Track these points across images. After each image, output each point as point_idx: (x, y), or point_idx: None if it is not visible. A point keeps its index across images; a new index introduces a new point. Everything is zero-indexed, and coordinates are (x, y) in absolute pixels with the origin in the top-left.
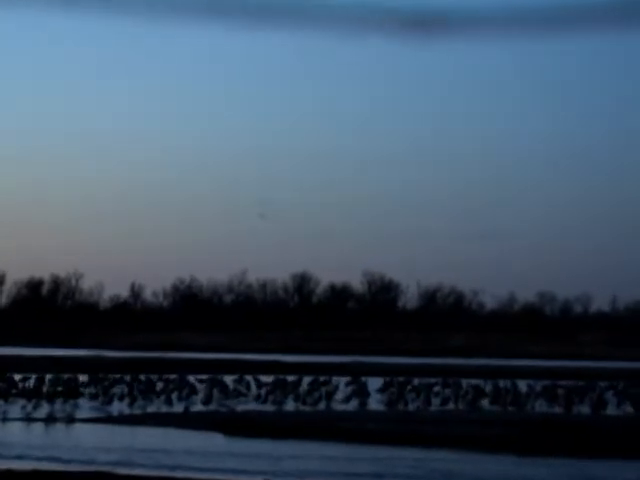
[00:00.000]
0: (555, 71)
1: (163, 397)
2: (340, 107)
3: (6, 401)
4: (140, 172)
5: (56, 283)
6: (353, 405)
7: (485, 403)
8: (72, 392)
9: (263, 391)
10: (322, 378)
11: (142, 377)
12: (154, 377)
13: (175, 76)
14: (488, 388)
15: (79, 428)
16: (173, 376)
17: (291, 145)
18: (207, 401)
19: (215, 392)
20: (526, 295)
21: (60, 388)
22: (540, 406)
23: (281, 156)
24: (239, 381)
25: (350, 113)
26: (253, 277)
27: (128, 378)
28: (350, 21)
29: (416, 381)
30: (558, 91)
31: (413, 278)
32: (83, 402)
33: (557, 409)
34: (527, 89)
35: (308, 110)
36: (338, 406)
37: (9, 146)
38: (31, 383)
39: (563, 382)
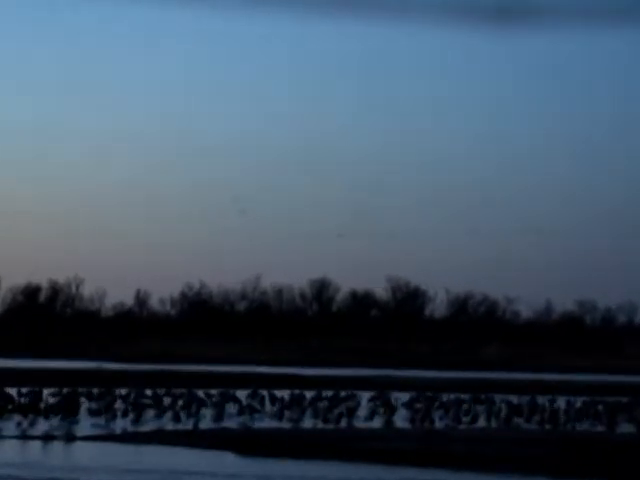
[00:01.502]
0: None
1: (170, 413)
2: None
3: (0, 417)
4: (144, 172)
5: (55, 289)
6: (377, 423)
7: (520, 421)
8: (72, 408)
9: (279, 407)
10: (343, 393)
11: (147, 391)
12: (160, 391)
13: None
14: (523, 404)
15: (78, 447)
16: (181, 390)
17: (316, 144)
18: (218, 418)
19: (227, 408)
20: (564, 304)
21: (59, 403)
22: (580, 424)
23: (290, 151)
24: (253, 396)
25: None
26: (268, 283)
27: (132, 392)
28: (431, 11)
29: (445, 396)
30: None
31: (441, 285)
32: (83, 418)
33: (598, 428)
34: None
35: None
36: (360, 424)
37: (8, 146)
38: (27, 398)
39: (605, 398)
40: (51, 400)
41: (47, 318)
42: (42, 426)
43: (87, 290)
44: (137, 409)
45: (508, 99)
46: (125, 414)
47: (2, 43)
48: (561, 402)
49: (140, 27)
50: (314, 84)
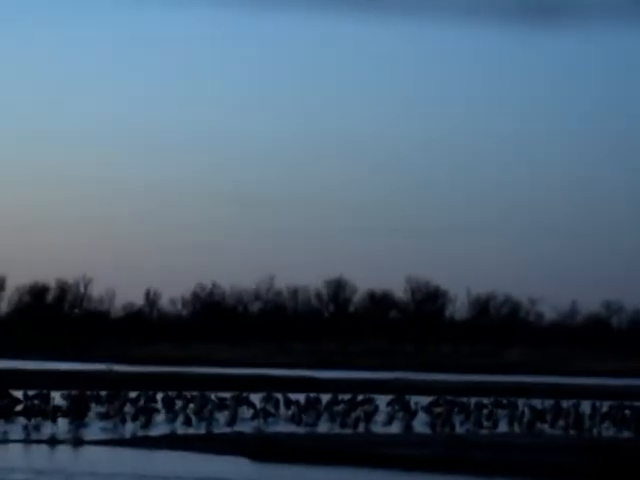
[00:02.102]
0: None
1: (182, 417)
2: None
3: (7, 420)
4: (157, 167)
5: (62, 289)
6: (395, 428)
7: (543, 426)
8: (80, 411)
9: (294, 411)
10: (360, 397)
11: (158, 394)
12: (172, 394)
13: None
14: (547, 409)
15: (86, 451)
16: (193, 393)
17: (331, 140)
18: (231, 422)
19: (240, 412)
20: (590, 305)
21: (67, 406)
22: (606, 430)
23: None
24: (267, 400)
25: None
26: (282, 283)
27: (143, 395)
28: (461, 7)
29: (466, 401)
30: None
31: (462, 285)
32: (92, 422)
33: (625, 433)
34: None
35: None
36: (378, 428)
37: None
38: (35, 401)
39: (632, 403)
40: (59, 403)
41: (55, 319)
42: (50, 429)
43: (96, 290)
44: (147, 413)
45: (539, 99)
46: (135, 418)
47: None
48: (586, 407)
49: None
50: (332, 83)
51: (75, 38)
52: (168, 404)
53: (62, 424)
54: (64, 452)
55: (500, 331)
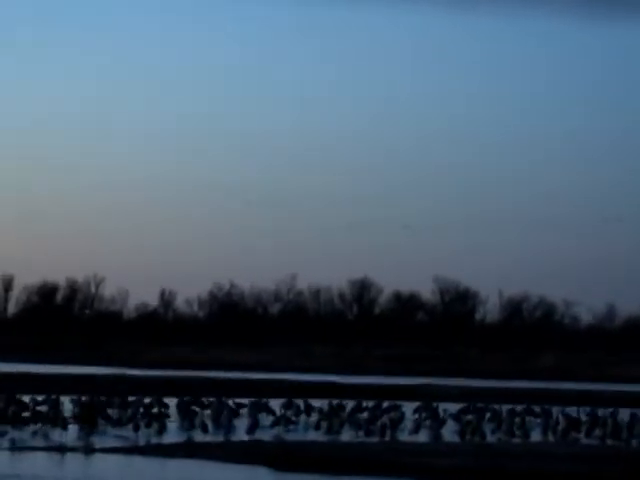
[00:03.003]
0: None
1: (198, 424)
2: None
3: (15, 427)
4: (170, 162)
5: (73, 289)
6: (423, 436)
7: (579, 435)
8: (92, 417)
9: (316, 418)
10: (386, 403)
11: (173, 400)
12: (187, 400)
13: None
14: (583, 417)
15: (98, 459)
16: (210, 399)
17: (349, 137)
18: (251, 429)
19: (260, 418)
20: (629, 307)
21: (77, 412)
22: None
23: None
24: (288, 406)
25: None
26: (304, 283)
27: (157, 401)
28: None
29: (497, 408)
30: None
31: (494, 286)
32: (105, 429)
33: None
34: None
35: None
36: (405, 437)
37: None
38: (44, 406)
39: None
40: (69, 408)
41: (64, 320)
42: (59, 437)
43: (108, 290)
44: (162, 419)
45: (595, 91)
46: (149, 424)
47: None
48: (624, 415)
49: None
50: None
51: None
52: (184, 410)
53: (72, 431)
54: (74, 460)
55: (533, 335)
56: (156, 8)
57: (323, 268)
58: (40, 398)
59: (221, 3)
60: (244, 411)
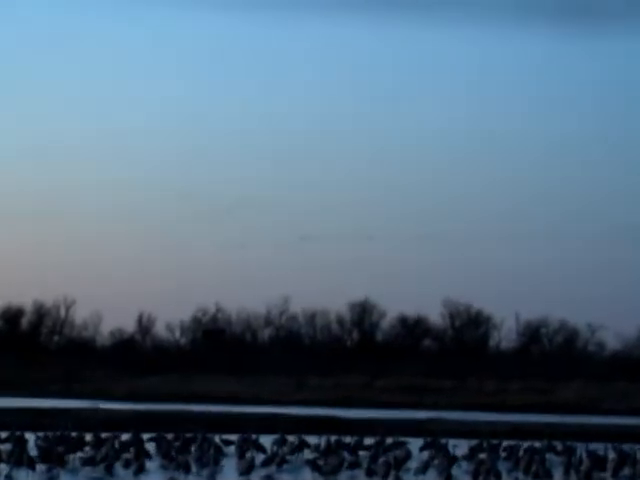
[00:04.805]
0: None
1: (180, 463)
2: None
3: None
4: (153, 171)
5: (40, 313)
6: (431, 476)
7: (605, 475)
8: (61, 455)
9: (312, 456)
10: (390, 440)
11: (152, 436)
12: (168, 436)
13: None
14: (610, 455)
15: None
16: (193, 435)
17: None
18: (248, 470)
19: (249, 456)
20: None
21: (45, 450)
22: None
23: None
24: (281, 443)
25: None
26: (298, 306)
27: (134, 438)
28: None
29: (514, 445)
30: None
31: (509, 309)
32: (75, 468)
33: None
34: None
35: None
36: (411, 478)
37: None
38: (7, 444)
39: None
40: (36, 446)
41: (30, 348)
42: (25, 478)
43: (79, 314)
44: (140, 458)
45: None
46: (127, 464)
47: None
48: None
49: None
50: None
51: None
52: (164, 448)
53: (40, 471)
54: None
55: (554, 363)
56: None
57: (319, 289)
58: (3, 435)
59: None
60: (231, 449)
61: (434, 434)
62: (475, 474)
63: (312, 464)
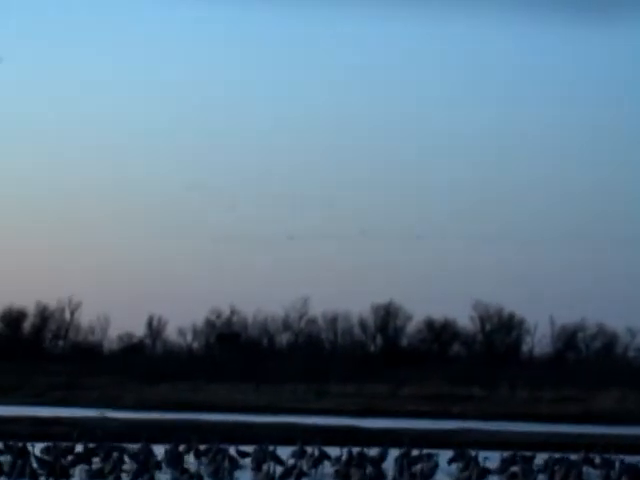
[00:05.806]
0: None
1: (192, 475)
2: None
3: None
4: (163, 170)
5: (43, 316)
6: None
7: None
8: (66, 468)
9: (333, 469)
10: (416, 451)
11: (163, 447)
12: (181, 447)
13: None
14: None
15: None
16: (206, 446)
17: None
18: None
19: (265, 469)
20: None
21: (49, 461)
22: None
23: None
24: (299, 454)
25: None
26: (318, 309)
27: (144, 448)
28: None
29: (548, 457)
30: None
31: (544, 312)
32: None
33: None
34: None
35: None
36: None
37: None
38: (8, 455)
39: None
40: (39, 457)
41: (33, 352)
42: None
43: (85, 317)
44: (150, 470)
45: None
46: (136, 476)
47: None
48: None
49: None
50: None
51: None
52: (175, 460)
53: None
54: None
55: (591, 370)
56: None
57: (340, 291)
58: (3, 446)
59: None
60: (247, 461)
61: (463, 445)
62: None
63: (333, 477)
